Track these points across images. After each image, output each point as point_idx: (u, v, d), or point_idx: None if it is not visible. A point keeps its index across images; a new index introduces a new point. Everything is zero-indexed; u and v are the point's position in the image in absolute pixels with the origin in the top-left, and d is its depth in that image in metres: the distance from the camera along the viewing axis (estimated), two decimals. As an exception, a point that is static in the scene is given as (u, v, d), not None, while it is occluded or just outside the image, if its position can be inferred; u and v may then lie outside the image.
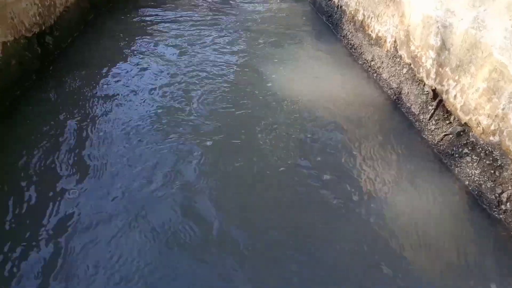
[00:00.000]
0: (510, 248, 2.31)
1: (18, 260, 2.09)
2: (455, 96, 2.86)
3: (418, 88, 3.34)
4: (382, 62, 4.00)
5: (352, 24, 4.88)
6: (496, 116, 2.45)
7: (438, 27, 3.03)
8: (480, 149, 2.61)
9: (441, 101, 3.05)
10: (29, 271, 2.04)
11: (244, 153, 3.02)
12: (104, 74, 4.11)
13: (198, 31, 5.56)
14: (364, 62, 4.43)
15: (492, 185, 2.49)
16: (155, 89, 3.85)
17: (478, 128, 2.62)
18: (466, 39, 2.71)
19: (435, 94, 3.11)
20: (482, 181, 2.57)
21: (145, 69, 4.26)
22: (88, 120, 3.29)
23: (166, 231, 2.31)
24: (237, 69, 4.42)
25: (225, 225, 2.38)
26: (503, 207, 2.42)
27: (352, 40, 4.82)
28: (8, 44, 3.27)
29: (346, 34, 5.04)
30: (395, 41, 3.77)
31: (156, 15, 6.08)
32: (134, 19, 5.85)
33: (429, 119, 3.18)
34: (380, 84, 4.03)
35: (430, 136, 3.15)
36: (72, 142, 3.00)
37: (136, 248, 2.20)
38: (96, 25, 5.47)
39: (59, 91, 3.68)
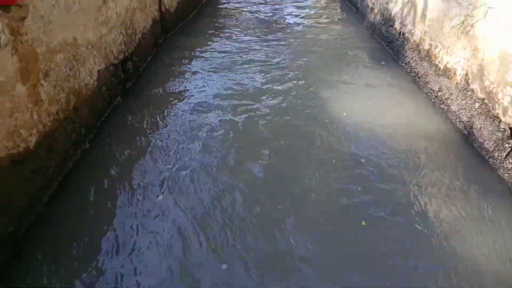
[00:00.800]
0: None
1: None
2: (537, 137, 2.81)
3: (493, 124, 3.30)
4: (451, 94, 3.98)
5: (416, 52, 4.88)
6: None
7: (518, 65, 3.00)
8: None
9: (519, 140, 3.01)
10: None
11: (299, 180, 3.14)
12: (174, 90, 4.57)
13: (251, 51, 5.89)
14: (430, 92, 4.41)
15: None
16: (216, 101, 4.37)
17: None
18: (551, 80, 2.67)
19: (513, 132, 3.07)
20: None
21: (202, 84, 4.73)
22: (165, 129, 3.69)
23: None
24: (291, 97, 4.51)
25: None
26: None
27: (416, 69, 4.82)
28: (101, 72, 3.62)
29: (409, 61, 5.05)
30: (466, 74, 3.74)
31: (211, 36, 6.42)
32: (195, 41, 6.23)
33: (505, 157, 3.13)
34: (448, 116, 4.00)
35: (507, 175, 3.09)
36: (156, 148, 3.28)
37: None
38: (165, 47, 5.87)
39: (140, 110, 4.00)
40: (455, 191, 3.05)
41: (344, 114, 4.09)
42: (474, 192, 3.04)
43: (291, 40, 6.56)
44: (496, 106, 3.28)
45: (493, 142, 3.29)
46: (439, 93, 4.21)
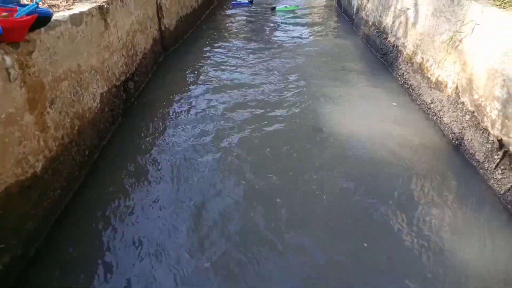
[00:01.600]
0: None
1: None
2: (523, 149, 2.92)
3: (483, 136, 3.41)
4: (443, 106, 4.10)
5: (409, 65, 5.01)
6: None
7: (504, 80, 3.11)
8: (552, 205, 2.64)
9: (507, 152, 3.11)
10: None
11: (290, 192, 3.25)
12: (174, 106, 4.76)
13: (250, 65, 6.05)
14: (423, 104, 4.53)
15: None
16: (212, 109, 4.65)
17: (549, 184, 2.66)
18: (534, 95, 2.79)
19: (501, 144, 3.17)
20: (554, 237, 2.60)
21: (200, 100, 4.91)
22: (164, 147, 3.78)
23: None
24: (288, 107, 4.71)
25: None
26: None
27: (410, 81, 4.95)
28: (104, 94, 3.77)
29: (403, 73, 5.18)
30: (456, 87, 3.86)
31: (210, 52, 6.60)
32: (195, 57, 6.40)
33: (495, 168, 3.23)
34: (440, 127, 4.11)
35: (496, 185, 3.20)
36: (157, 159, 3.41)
37: None
38: (166, 64, 6.05)
39: (141, 129, 4.15)
40: (446, 201, 3.16)
41: (339, 125, 4.22)
42: (464, 202, 3.14)
43: (287, 53, 6.72)
44: (485, 119, 3.39)
45: (483, 153, 3.39)
46: (432, 105, 4.33)
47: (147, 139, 4.00)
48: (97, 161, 3.54)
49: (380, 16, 6.29)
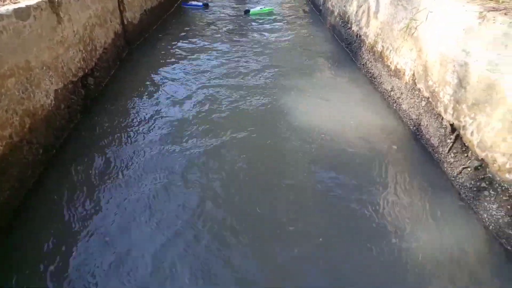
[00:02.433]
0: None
1: None
2: (472, 132, 3.01)
3: (437, 121, 3.50)
4: (402, 93, 4.18)
5: (371, 54, 5.08)
6: (511, 155, 2.59)
7: (454, 65, 3.20)
8: (497, 184, 2.74)
9: (458, 135, 3.20)
10: None
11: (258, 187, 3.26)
12: (139, 101, 4.67)
13: (219, 59, 6.00)
14: (384, 92, 4.61)
15: (510, 220, 2.62)
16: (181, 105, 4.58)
17: (495, 165, 2.76)
18: (481, 79, 2.87)
19: (453, 128, 3.27)
20: (499, 215, 2.70)
21: (166, 94, 4.73)
22: (127, 143, 3.67)
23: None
24: (254, 98, 4.71)
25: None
26: (521, 242, 2.54)
27: (372, 70, 5.02)
28: (59, 91, 3.66)
29: (366, 63, 5.25)
30: (413, 74, 3.95)
31: (178, 46, 6.50)
32: (161, 51, 6.30)
33: (448, 152, 3.33)
34: (400, 114, 4.20)
35: (449, 169, 3.29)
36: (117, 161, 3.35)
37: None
38: (130, 59, 5.92)
39: (101, 126, 4.05)
40: (402, 186, 3.24)
41: (303, 115, 4.25)
42: (420, 187, 3.23)
43: (255, 45, 6.69)
44: (439, 104, 3.48)
45: (438, 138, 3.49)
46: (392, 93, 4.41)
47: (108, 136, 3.91)
48: (53, 159, 3.44)
49: (345, 6, 6.34)
